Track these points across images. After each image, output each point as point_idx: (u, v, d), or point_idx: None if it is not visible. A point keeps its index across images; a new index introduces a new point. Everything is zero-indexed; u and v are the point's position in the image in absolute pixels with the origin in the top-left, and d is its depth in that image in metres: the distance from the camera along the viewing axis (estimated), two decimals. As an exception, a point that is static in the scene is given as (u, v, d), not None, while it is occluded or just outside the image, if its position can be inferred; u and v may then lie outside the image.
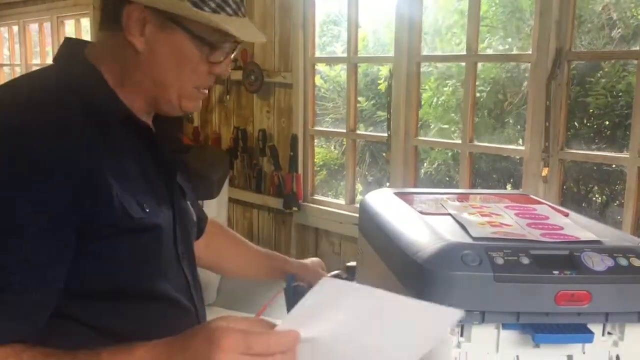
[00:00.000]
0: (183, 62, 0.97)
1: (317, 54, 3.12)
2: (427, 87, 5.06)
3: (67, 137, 0.88)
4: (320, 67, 3.06)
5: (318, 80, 3.11)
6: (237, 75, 3.21)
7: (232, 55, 1.03)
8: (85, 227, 0.87)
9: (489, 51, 4.74)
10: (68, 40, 1.06)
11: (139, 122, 1.00)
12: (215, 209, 2.75)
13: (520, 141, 4.62)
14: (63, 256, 0.87)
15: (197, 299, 1.09)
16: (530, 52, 2.23)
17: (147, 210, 0.95)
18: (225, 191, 3.02)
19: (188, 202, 1.16)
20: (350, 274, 1.39)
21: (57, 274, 0.87)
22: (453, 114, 5.15)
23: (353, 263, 1.41)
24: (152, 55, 0.97)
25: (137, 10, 0.96)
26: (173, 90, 0.99)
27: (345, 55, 2.93)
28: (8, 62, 5.56)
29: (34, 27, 5.18)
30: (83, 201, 0.86)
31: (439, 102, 5.18)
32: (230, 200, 3.25)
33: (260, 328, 0.75)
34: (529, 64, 2.27)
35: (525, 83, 4.70)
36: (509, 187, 5.11)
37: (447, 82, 5.16)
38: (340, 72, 5.46)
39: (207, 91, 1.04)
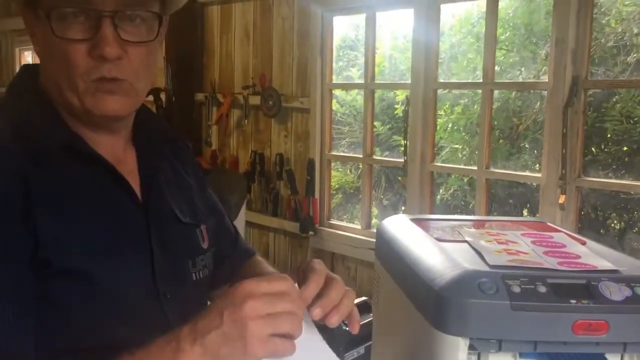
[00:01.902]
0: (50, 49, 0.83)
1: (334, 79, 3.15)
2: (442, 112, 5.08)
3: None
4: (337, 91, 3.10)
5: (334, 105, 3.15)
6: (255, 100, 3.26)
7: (109, 29, 0.82)
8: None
9: (504, 74, 4.76)
10: (25, 67, 0.96)
11: (82, 149, 0.88)
12: (232, 232, 2.76)
13: (537, 166, 4.60)
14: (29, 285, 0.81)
15: None
16: (546, 79, 2.25)
17: (92, 249, 0.84)
18: (242, 215, 3.05)
19: (197, 226, 1.03)
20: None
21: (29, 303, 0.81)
22: (464, 134, 5.15)
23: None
24: (40, 57, 0.86)
25: (25, 15, 0.87)
26: (67, 89, 0.85)
27: (362, 81, 2.96)
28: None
29: (57, 51, 5.30)
30: (22, 242, 0.80)
31: (454, 127, 5.19)
32: (247, 223, 3.28)
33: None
34: (541, 90, 2.28)
35: (538, 104, 4.71)
36: (525, 212, 5.08)
37: (459, 101, 5.18)
38: (356, 96, 5.50)
39: (116, 84, 0.85)
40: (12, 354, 0.77)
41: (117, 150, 0.94)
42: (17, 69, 4.78)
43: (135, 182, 0.94)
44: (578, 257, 1.00)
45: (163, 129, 1.02)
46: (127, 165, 0.95)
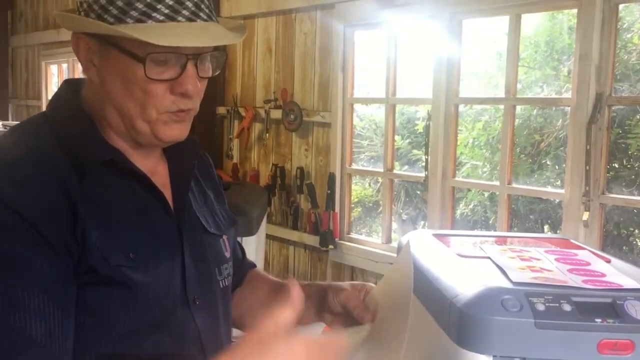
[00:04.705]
0: (130, 85, 0.89)
1: (355, 93, 3.17)
2: (462, 127, 5.06)
3: (43, 187, 0.84)
4: (356, 105, 3.14)
5: (354, 119, 3.16)
6: (277, 114, 3.29)
7: (197, 69, 0.90)
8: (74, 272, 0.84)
9: (526, 92, 4.73)
10: (65, 82, 1.02)
11: (123, 165, 0.92)
12: (253, 245, 2.78)
13: (559, 182, 4.56)
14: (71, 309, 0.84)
15: (211, 346, 0.98)
16: (569, 95, 2.24)
17: (133, 258, 0.88)
18: (263, 228, 3.06)
19: (220, 237, 1.08)
20: None
21: (70, 316, 0.84)
22: (485, 150, 5.13)
23: None
24: (105, 85, 0.91)
25: (82, 41, 0.91)
26: (137, 119, 0.90)
27: (383, 96, 2.97)
28: (56, 98, 5.78)
29: (82, 64, 5.39)
30: (68, 245, 0.83)
31: (475, 143, 5.17)
32: (267, 236, 3.29)
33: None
34: (564, 106, 2.27)
35: (560, 122, 4.67)
36: (546, 228, 5.03)
37: (481, 118, 5.17)
38: (376, 110, 5.51)
39: (186, 113, 0.92)
40: (54, 353, 0.80)
41: (150, 162, 0.98)
42: (43, 81, 4.87)
43: (167, 193, 0.99)
44: (603, 275, 0.99)
45: (192, 142, 1.06)
46: (160, 177, 1.00)
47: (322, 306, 1.10)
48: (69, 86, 1.00)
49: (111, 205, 0.90)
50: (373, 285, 1.04)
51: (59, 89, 1.00)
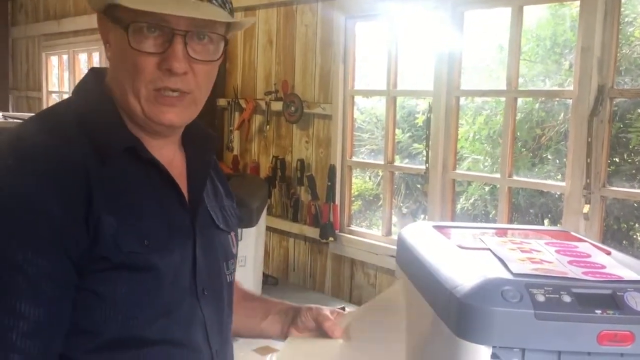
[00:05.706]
0: (123, 57, 0.90)
1: (356, 85, 3.15)
2: (463, 121, 5.05)
3: (60, 174, 0.85)
4: (357, 98, 3.13)
5: (355, 112, 3.15)
6: (278, 105, 3.28)
7: (181, 46, 0.89)
8: (80, 261, 0.85)
9: (527, 85, 4.72)
10: (92, 70, 1.03)
11: (140, 153, 0.94)
12: (253, 237, 2.78)
13: (559, 176, 4.55)
14: (67, 297, 0.85)
15: (215, 338, 1.01)
16: (571, 88, 2.23)
17: (147, 245, 0.90)
18: (263, 220, 3.05)
19: (228, 233, 1.10)
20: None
21: (62, 318, 0.85)
22: (486, 144, 5.13)
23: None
24: (113, 63, 0.94)
25: (102, 20, 0.94)
26: (130, 94, 0.91)
27: (384, 88, 2.96)
28: (57, 90, 5.77)
29: (83, 56, 5.38)
30: (76, 235, 0.84)
31: (476, 137, 5.16)
32: (267, 228, 3.28)
33: None
34: (565, 99, 2.26)
35: (562, 115, 4.66)
36: (546, 222, 5.04)
37: (482, 112, 5.16)
38: (376, 103, 5.49)
39: (178, 98, 0.92)
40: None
41: (167, 153, 1.00)
42: (44, 72, 4.86)
43: (182, 185, 1.00)
44: (603, 267, 0.99)
45: (212, 138, 1.09)
46: (177, 168, 1.01)
47: (293, 321, 1.16)
48: (94, 74, 1.01)
49: (128, 193, 0.91)
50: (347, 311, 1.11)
51: (84, 77, 1.02)
